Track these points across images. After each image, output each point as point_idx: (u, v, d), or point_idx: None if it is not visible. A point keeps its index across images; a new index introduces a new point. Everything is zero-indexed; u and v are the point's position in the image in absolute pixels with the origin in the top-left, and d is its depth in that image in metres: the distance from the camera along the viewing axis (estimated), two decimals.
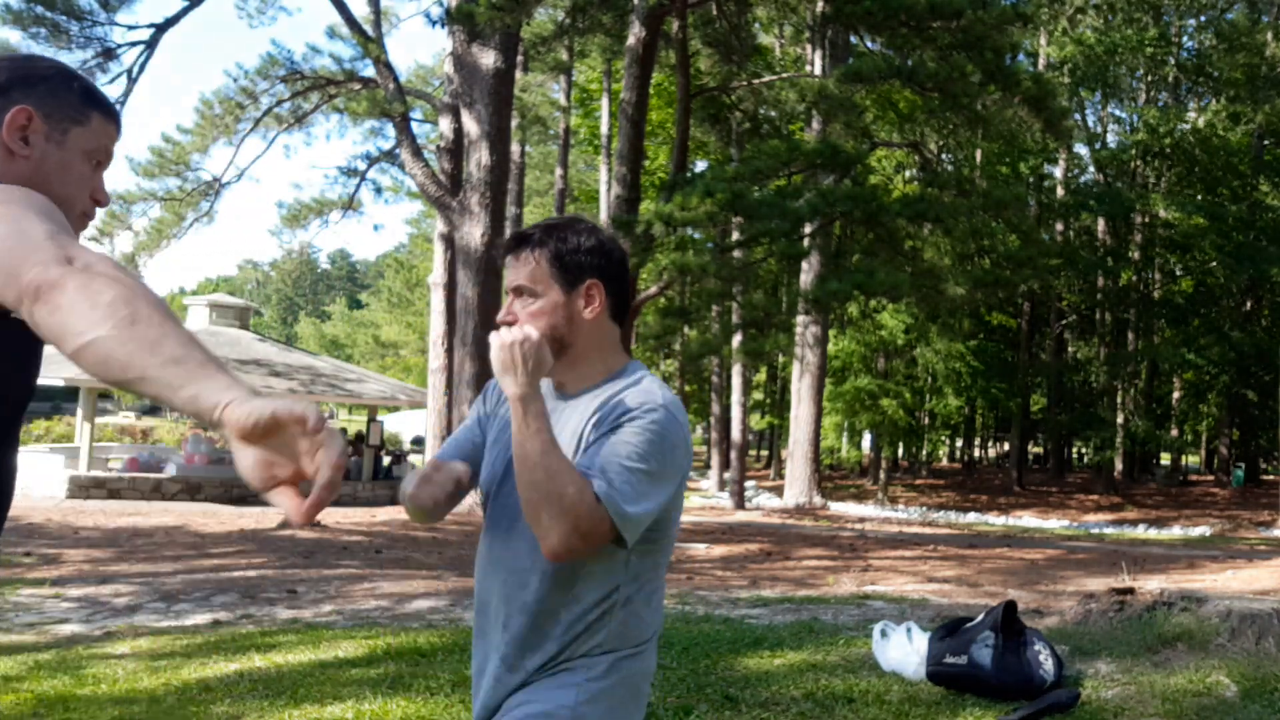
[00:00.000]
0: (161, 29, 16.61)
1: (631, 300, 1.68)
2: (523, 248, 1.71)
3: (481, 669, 1.75)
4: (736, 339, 21.01)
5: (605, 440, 1.61)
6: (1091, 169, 35.46)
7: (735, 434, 25.83)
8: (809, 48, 24.65)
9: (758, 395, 38.49)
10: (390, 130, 19.66)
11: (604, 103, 29.65)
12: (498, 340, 1.61)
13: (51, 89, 1.49)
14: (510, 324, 1.68)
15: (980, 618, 4.52)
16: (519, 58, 20.00)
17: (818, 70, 22.40)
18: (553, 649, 1.67)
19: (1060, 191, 32.98)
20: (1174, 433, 36.86)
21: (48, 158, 1.48)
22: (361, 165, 24.11)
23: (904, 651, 4.53)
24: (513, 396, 1.58)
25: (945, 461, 48.13)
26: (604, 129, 29.87)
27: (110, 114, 1.55)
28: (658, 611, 1.75)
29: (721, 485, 28.70)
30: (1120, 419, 31.64)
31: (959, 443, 47.11)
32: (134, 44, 16.52)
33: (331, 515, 15.59)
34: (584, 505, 1.53)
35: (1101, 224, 33.37)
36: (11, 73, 1.49)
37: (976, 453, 47.75)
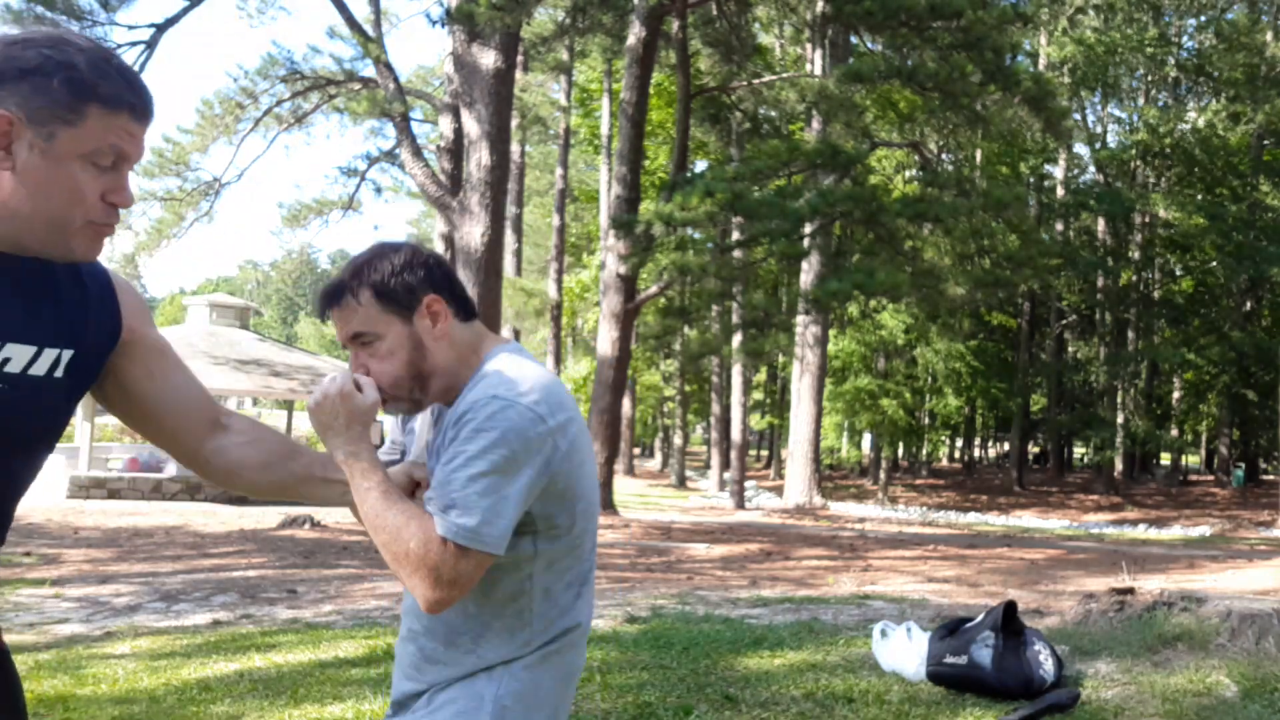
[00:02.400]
0: (161, 29, 16.61)
1: (468, 298, 1.64)
2: (342, 296, 1.58)
3: (400, 657, 1.69)
4: (736, 339, 21.04)
5: (445, 455, 1.50)
6: (1091, 169, 35.49)
7: (735, 434, 25.84)
8: (809, 48, 24.65)
9: (758, 395, 38.52)
10: (390, 130, 19.66)
11: (604, 103, 29.66)
12: (310, 402, 1.54)
13: (36, 85, 1.27)
14: (366, 374, 1.58)
15: (980, 618, 4.52)
16: (519, 58, 20.00)
17: (818, 70, 22.40)
18: (465, 643, 1.59)
19: (1060, 191, 32.99)
20: (1174, 433, 36.86)
21: (30, 170, 1.28)
22: (361, 165, 24.12)
23: (904, 651, 4.53)
24: (338, 459, 1.52)
25: (945, 461, 48.15)
26: (604, 129, 29.88)
27: (116, 102, 1.32)
28: (585, 600, 1.63)
29: (721, 485, 28.72)
30: (1120, 419, 31.64)
31: (959, 443, 47.13)
32: (134, 44, 16.52)
33: (332, 515, 15.58)
34: (433, 554, 1.44)
35: (1101, 224, 33.38)
36: None
37: (976, 453, 47.78)
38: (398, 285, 1.56)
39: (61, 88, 1.28)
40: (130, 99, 1.34)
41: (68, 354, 1.40)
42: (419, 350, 1.57)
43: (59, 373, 1.39)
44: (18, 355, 1.34)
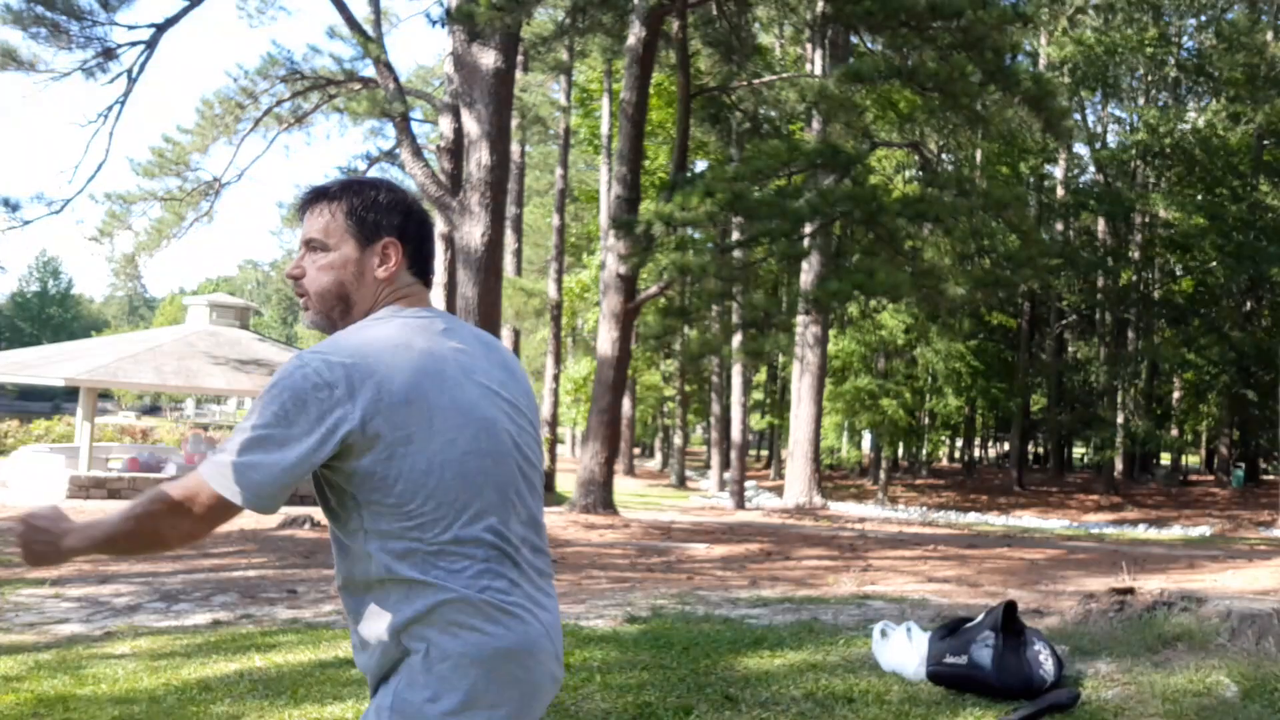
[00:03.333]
0: (161, 29, 16.60)
1: (431, 263, 1.70)
2: (319, 201, 1.63)
3: None
4: (736, 339, 21.03)
5: None
6: (1091, 169, 35.49)
7: (735, 434, 25.83)
8: (809, 48, 24.65)
9: (758, 395, 38.50)
10: (390, 130, 19.65)
11: (604, 103, 29.65)
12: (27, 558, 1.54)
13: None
14: (297, 277, 1.63)
15: (980, 618, 4.52)
16: (519, 58, 19.99)
17: (818, 70, 22.40)
18: (354, 621, 1.60)
19: (1060, 191, 32.99)
20: (1174, 433, 36.86)
21: None
22: (361, 165, 24.09)
23: (904, 651, 4.53)
24: (70, 547, 1.52)
25: (945, 461, 48.14)
26: (604, 129, 29.87)
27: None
28: (462, 581, 1.53)
29: (721, 485, 28.72)
30: (1120, 419, 31.64)
31: (959, 443, 47.12)
32: (134, 44, 16.51)
33: None
34: (154, 517, 1.48)
35: (1101, 224, 33.38)
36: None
37: (976, 453, 47.77)
38: (368, 215, 1.62)
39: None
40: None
41: None
42: (358, 279, 1.61)
43: None
44: None
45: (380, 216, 1.62)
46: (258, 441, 1.46)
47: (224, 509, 1.48)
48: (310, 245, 1.63)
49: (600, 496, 16.41)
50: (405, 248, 1.63)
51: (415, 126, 17.94)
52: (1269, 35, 31.48)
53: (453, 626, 1.53)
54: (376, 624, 1.55)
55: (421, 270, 1.66)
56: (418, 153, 16.56)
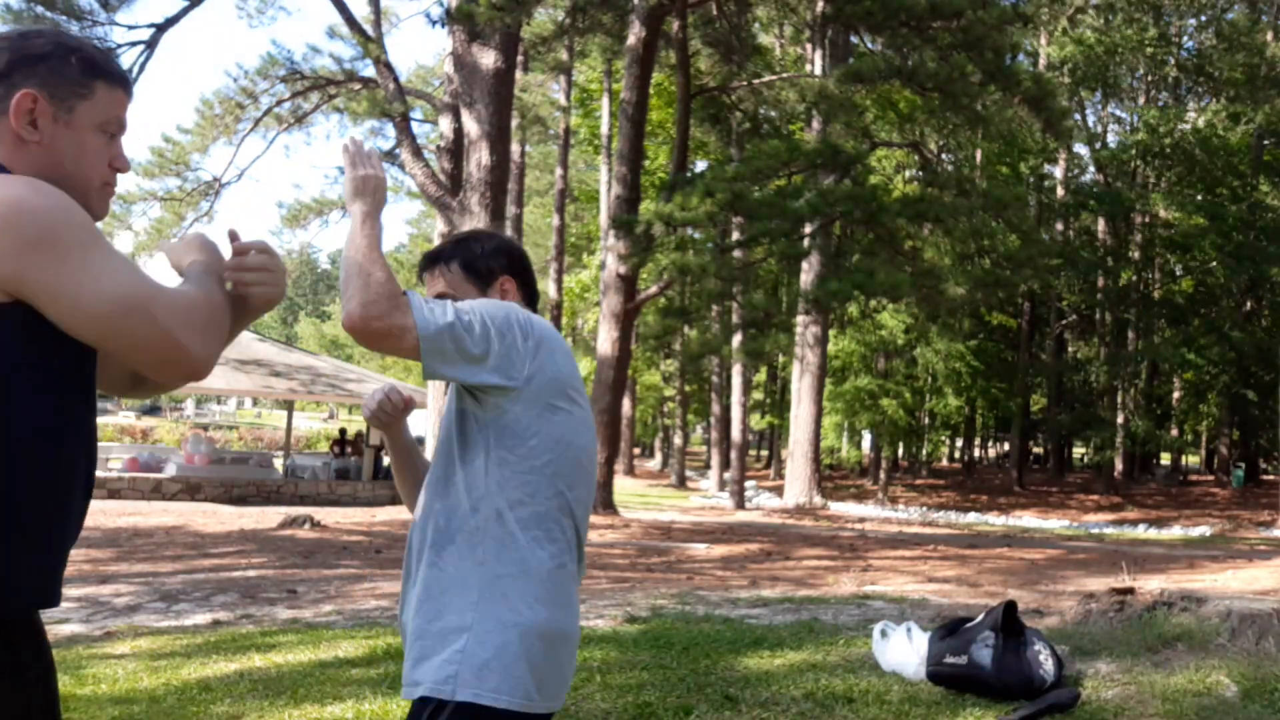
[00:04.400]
0: (161, 29, 16.61)
1: (537, 291, 2.04)
2: (437, 264, 1.92)
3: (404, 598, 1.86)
4: (736, 339, 21.04)
5: None
6: (1091, 169, 35.48)
7: (735, 434, 25.83)
8: (809, 48, 24.65)
9: (758, 395, 38.49)
10: (390, 130, 19.64)
11: (604, 103, 29.65)
12: (352, 173, 1.75)
13: (52, 67, 1.47)
14: None
15: (980, 618, 4.52)
16: (519, 58, 19.99)
17: (818, 70, 22.40)
18: (432, 556, 1.75)
19: (1060, 191, 32.98)
20: (1174, 433, 36.86)
21: (58, 139, 1.47)
22: None
23: (904, 651, 4.53)
24: (361, 213, 1.71)
25: (945, 461, 48.14)
26: (604, 129, 29.87)
27: (115, 80, 1.53)
28: (545, 547, 1.74)
29: (721, 485, 28.72)
30: (1120, 419, 31.63)
31: (959, 443, 47.13)
32: (134, 44, 16.51)
33: (331, 515, 15.59)
34: (387, 289, 1.63)
35: (1101, 224, 33.37)
36: (10, 54, 1.46)
37: (976, 453, 47.77)
38: (482, 264, 1.91)
39: (76, 66, 1.49)
40: (125, 77, 1.56)
41: None
42: None
43: None
44: None
45: (491, 262, 1.92)
46: (461, 310, 1.69)
47: (404, 328, 1.66)
48: (442, 299, 1.82)
49: (600, 496, 16.42)
50: (517, 281, 1.94)
51: (415, 126, 17.95)
52: (1269, 35, 31.48)
53: (534, 600, 1.72)
54: (466, 565, 1.72)
55: (531, 298, 1.96)
56: (418, 153, 16.57)
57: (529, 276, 1.97)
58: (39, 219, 1.36)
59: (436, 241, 19.48)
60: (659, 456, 45.60)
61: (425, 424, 20.15)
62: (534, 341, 1.74)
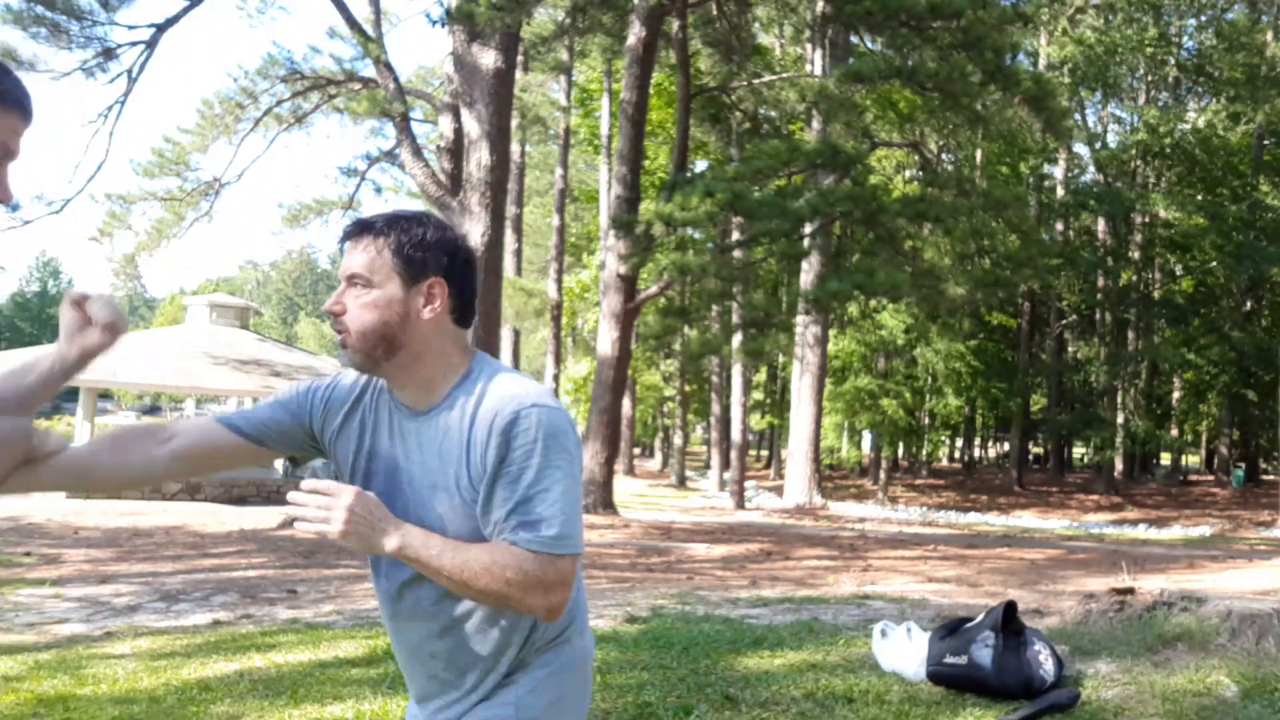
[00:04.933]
0: (161, 29, 16.60)
1: (474, 305, 1.66)
2: (364, 234, 1.58)
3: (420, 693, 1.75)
4: (736, 339, 21.01)
5: (506, 474, 1.53)
6: (1091, 169, 35.47)
7: (735, 434, 25.83)
8: (809, 48, 24.64)
9: (758, 395, 38.49)
10: (390, 130, 19.63)
11: (604, 103, 29.64)
12: (336, 529, 1.48)
13: None
14: (338, 314, 1.58)
15: (980, 618, 4.52)
16: (519, 58, 19.98)
17: (818, 70, 22.39)
18: (507, 648, 1.65)
19: (1060, 191, 32.98)
20: (1174, 433, 36.85)
21: None
22: (361, 165, 24.07)
23: (904, 651, 4.53)
24: (393, 549, 1.51)
25: (945, 461, 48.14)
26: (604, 129, 29.86)
27: (9, 101, 1.35)
28: (580, 589, 1.72)
29: (721, 485, 28.72)
30: (1120, 419, 31.63)
31: (959, 443, 47.12)
32: (134, 44, 16.50)
33: None
34: (535, 570, 1.51)
35: (1101, 224, 33.37)
36: None
37: (976, 453, 47.77)
38: (415, 254, 1.57)
39: None
40: (23, 100, 1.36)
41: None
42: (403, 320, 1.57)
43: None
44: None
45: (427, 255, 1.58)
46: (569, 489, 1.55)
47: (567, 572, 1.56)
48: (352, 280, 1.58)
49: (600, 496, 16.41)
50: (450, 288, 1.60)
51: (415, 126, 17.93)
52: (1269, 35, 31.48)
53: (581, 629, 1.73)
54: (502, 630, 1.64)
55: (462, 315, 1.63)
56: (418, 153, 16.56)
57: (467, 285, 1.63)
58: None
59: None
60: (659, 456, 45.60)
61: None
62: (561, 428, 1.59)
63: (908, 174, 30.53)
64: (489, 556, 1.51)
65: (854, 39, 23.35)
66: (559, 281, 30.66)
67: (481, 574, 1.50)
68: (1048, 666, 4.23)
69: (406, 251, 1.57)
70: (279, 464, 22.06)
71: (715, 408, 31.93)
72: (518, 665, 1.65)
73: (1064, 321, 35.63)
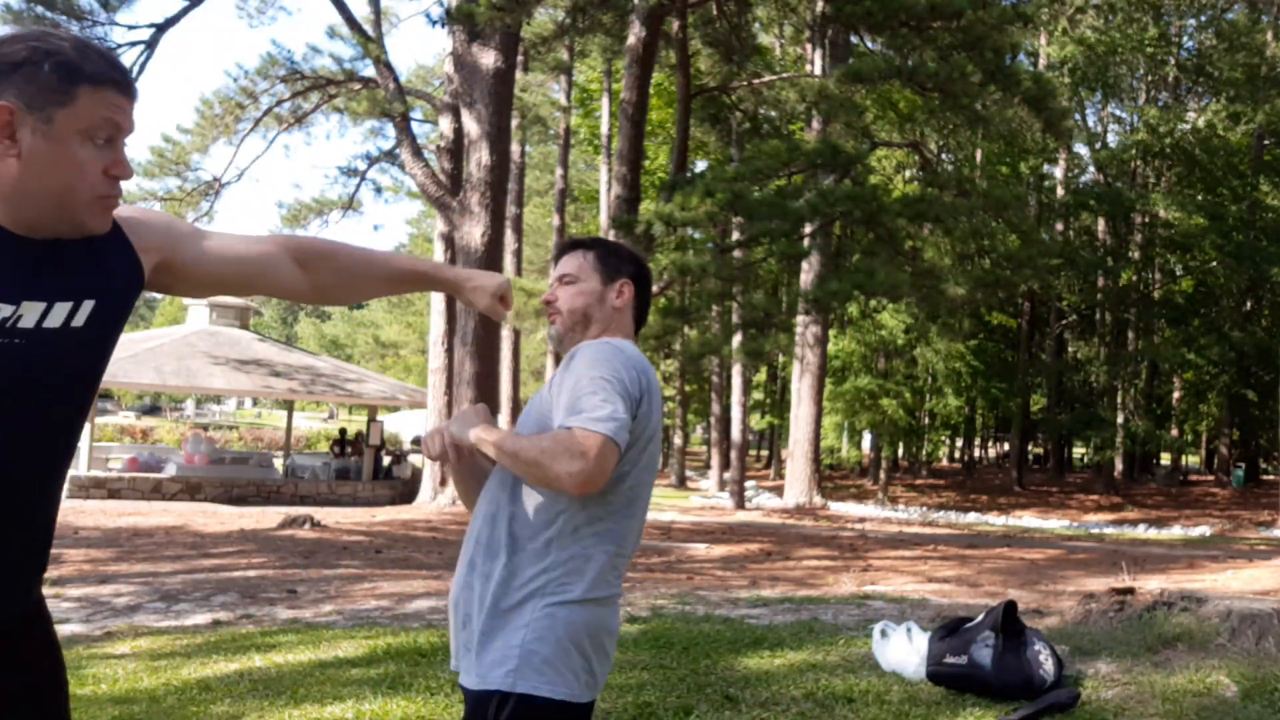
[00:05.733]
0: (161, 29, 16.61)
1: (647, 313, 2.18)
2: (576, 248, 2.09)
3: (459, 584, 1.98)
4: (736, 339, 21.01)
5: (564, 388, 1.86)
6: (1091, 169, 35.47)
7: (735, 434, 25.82)
8: (809, 48, 24.64)
9: (758, 395, 38.48)
10: (390, 130, 19.65)
11: (604, 103, 29.64)
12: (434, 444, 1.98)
13: (27, 75, 1.38)
14: (551, 301, 2.06)
15: (980, 618, 4.52)
16: (519, 58, 19.99)
17: (818, 70, 22.39)
18: (504, 557, 1.87)
19: (1060, 191, 32.97)
20: (1174, 433, 36.84)
21: (37, 152, 1.39)
22: (361, 165, 24.12)
23: (904, 651, 4.53)
24: (473, 439, 1.92)
25: (945, 461, 48.12)
26: (604, 129, 29.86)
27: (103, 81, 1.42)
28: (612, 566, 1.89)
29: (721, 485, 28.71)
30: (1120, 419, 31.62)
31: (959, 443, 47.11)
32: (134, 44, 16.51)
33: (331, 515, 15.59)
34: (565, 439, 1.77)
35: (1101, 224, 33.37)
36: None
37: (976, 453, 47.76)
38: (613, 261, 2.07)
39: (52, 72, 1.39)
40: (114, 75, 1.44)
41: (88, 304, 1.50)
42: (600, 303, 2.04)
43: (78, 322, 1.49)
44: (30, 311, 1.45)
45: (621, 262, 2.08)
46: (609, 397, 1.82)
47: (603, 453, 1.78)
48: (563, 279, 2.06)
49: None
50: (636, 289, 2.08)
51: (415, 126, 17.95)
52: (1269, 35, 31.47)
53: (590, 599, 1.86)
54: (530, 570, 1.85)
55: (641, 316, 2.11)
56: (418, 153, 16.57)
57: (647, 294, 2.11)
58: None
59: (436, 242, 19.52)
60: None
61: (426, 424, 20.14)
62: (645, 399, 1.89)
63: (908, 174, 30.52)
64: (536, 437, 1.83)
65: (854, 39, 23.33)
66: None
67: (527, 446, 1.81)
68: (1048, 666, 4.23)
69: (605, 257, 2.07)
70: (278, 464, 22.06)
71: (715, 408, 31.93)
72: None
73: (1064, 321, 35.63)
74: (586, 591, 1.85)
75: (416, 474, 20.98)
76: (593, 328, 2.03)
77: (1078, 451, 43.82)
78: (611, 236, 16.97)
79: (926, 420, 33.50)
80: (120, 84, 1.45)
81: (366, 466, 20.86)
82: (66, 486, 13.04)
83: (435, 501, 18.34)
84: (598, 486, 1.79)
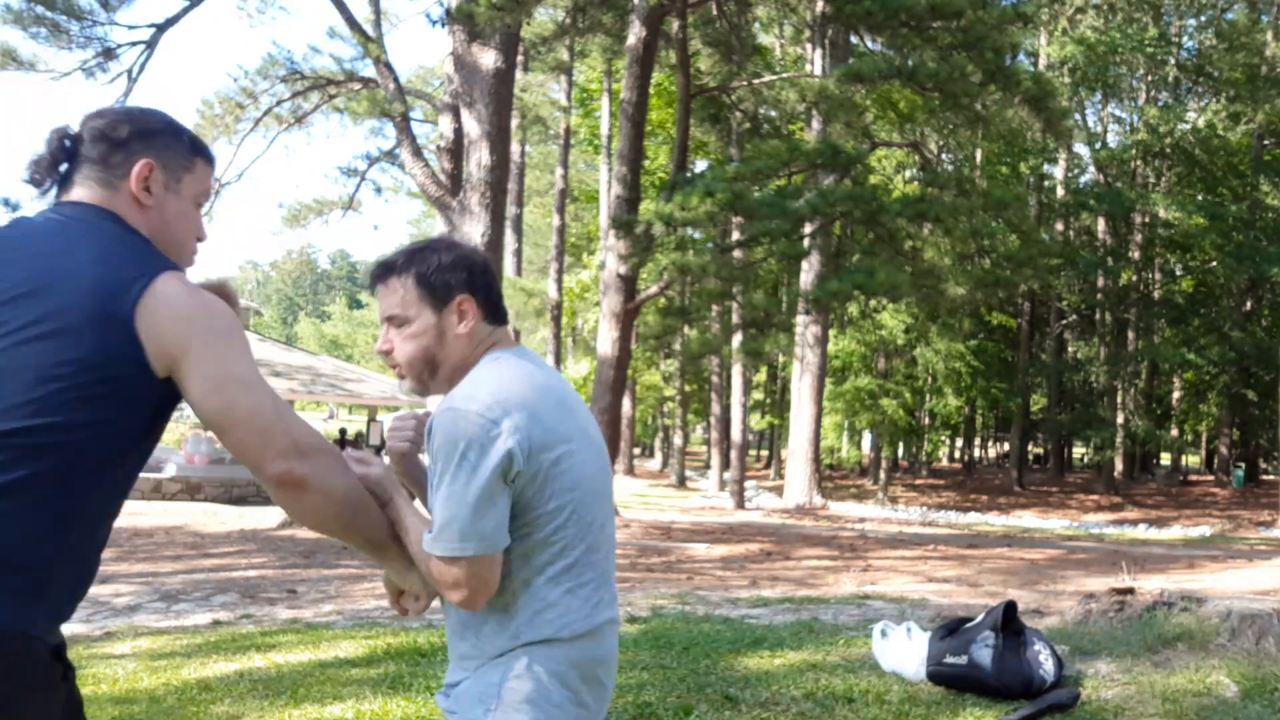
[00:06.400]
0: (161, 29, 16.60)
1: (502, 303, 1.85)
2: (388, 276, 1.77)
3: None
4: (736, 339, 21.00)
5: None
6: (1091, 169, 35.47)
7: (735, 434, 25.83)
8: (809, 48, 24.63)
9: (758, 395, 38.49)
10: (390, 130, 19.62)
11: (604, 103, 29.64)
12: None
13: (166, 142, 1.69)
14: (387, 352, 1.78)
15: (980, 618, 4.52)
16: (519, 58, 19.98)
17: (818, 70, 22.39)
18: (471, 636, 1.73)
19: (1060, 191, 32.97)
20: (1174, 433, 36.85)
21: (168, 205, 1.67)
22: (361, 165, 24.06)
23: (904, 651, 4.53)
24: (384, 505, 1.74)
25: (945, 461, 48.12)
26: (604, 129, 29.86)
27: (210, 159, 1.78)
28: (581, 599, 1.70)
29: (721, 485, 28.71)
30: (1120, 419, 31.62)
31: (959, 443, 47.10)
32: (134, 44, 16.50)
33: None
34: (435, 570, 1.65)
35: (1101, 224, 33.37)
36: (131, 126, 1.66)
37: (976, 453, 47.75)
38: (437, 280, 1.75)
39: (186, 144, 1.73)
40: (212, 157, 1.80)
41: None
42: (439, 340, 1.75)
43: None
44: None
45: (449, 276, 1.75)
46: (455, 492, 1.62)
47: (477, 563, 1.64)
48: (392, 321, 1.77)
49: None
50: (477, 299, 1.76)
51: (415, 126, 17.92)
52: (1269, 35, 31.47)
53: (566, 633, 1.69)
54: (497, 630, 1.70)
55: (495, 315, 1.79)
56: (418, 153, 16.56)
57: (491, 292, 1.80)
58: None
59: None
60: (659, 456, 45.60)
61: None
62: (519, 432, 1.63)
63: (908, 174, 30.52)
64: (423, 555, 1.67)
65: (854, 39, 23.34)
66: (559, 281, 30.67)
67: (422, 560, 1.68)
68: (1048, 666, 4.23)
69: (429, 280, 1.75)
70: None
71: (715, 408, 31.92)
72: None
73: (1064, 321, 35.63)
74: (557, 632, 1.69)
75: None
76: (442, 369, 1.76)
77: (1078, 451, 43.83)
78: (611, 237, 16.98)
79: (926, 420, 33.50)
80: (213, 164, 1.80)
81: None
82: None
83: None
84: (491, 594, 1.65)
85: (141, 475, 19.30)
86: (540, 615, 1.68)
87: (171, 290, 1.55)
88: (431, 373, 1.77)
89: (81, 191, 1.63)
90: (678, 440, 34.76)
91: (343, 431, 24.21)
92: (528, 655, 1.68)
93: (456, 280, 1.75)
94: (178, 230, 1.68)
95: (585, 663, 1.72)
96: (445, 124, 16.77)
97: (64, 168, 1.66)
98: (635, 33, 16.36)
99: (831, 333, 27.15)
